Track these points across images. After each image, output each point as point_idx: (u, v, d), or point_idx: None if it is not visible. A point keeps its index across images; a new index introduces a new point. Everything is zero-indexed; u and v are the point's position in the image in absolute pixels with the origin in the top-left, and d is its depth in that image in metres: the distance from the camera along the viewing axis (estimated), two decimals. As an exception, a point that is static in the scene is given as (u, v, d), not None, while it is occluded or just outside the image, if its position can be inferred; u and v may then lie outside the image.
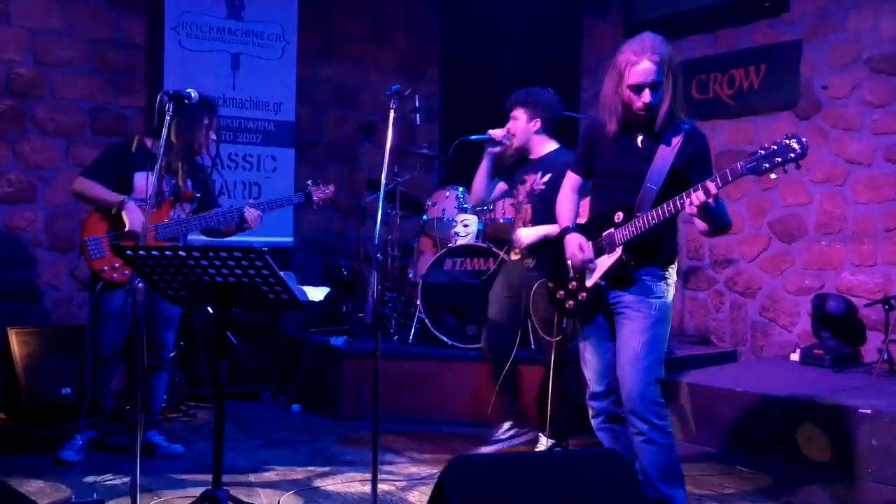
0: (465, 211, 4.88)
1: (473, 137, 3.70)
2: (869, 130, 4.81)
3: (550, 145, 3.74)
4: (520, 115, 3.70)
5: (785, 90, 5.09)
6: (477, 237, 4.78)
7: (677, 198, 2.49)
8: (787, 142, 2.32)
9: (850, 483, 3.45)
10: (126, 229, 3.48)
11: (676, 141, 2.60)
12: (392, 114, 2.75)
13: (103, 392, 3.61)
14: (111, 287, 3.51)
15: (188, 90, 3.06)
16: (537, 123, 3.69)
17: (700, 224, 2.59)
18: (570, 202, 2.87)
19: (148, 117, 3.94)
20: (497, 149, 3.67)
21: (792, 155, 2.31)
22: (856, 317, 4.70)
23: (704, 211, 2.44)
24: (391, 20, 6.33)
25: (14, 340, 4.28)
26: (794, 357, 4.78)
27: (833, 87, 4.95)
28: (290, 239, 5.42)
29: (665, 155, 2.59)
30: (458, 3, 6.40)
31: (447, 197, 4.96)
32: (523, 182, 3.71)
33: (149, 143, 3.60)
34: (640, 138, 2.65)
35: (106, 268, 3.47)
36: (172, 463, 3.59)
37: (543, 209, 3.52)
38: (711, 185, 2.40)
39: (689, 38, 5.69)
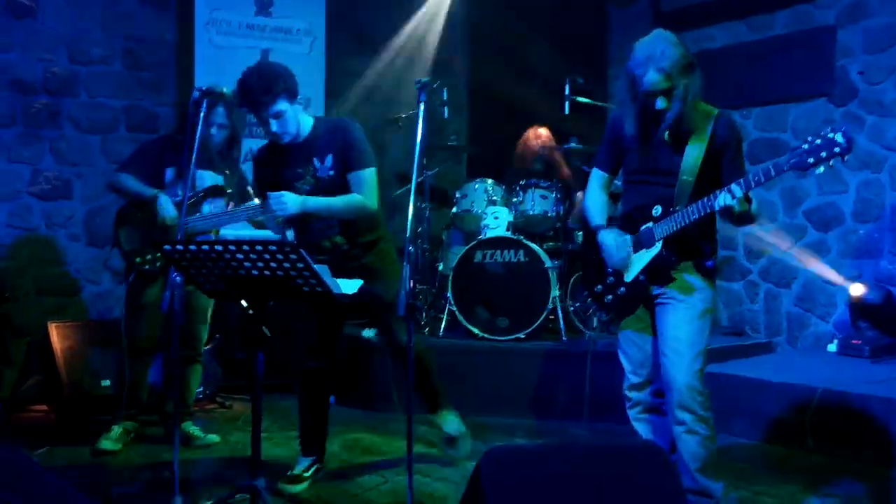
0: (494, 203, 4.88)
1: None
2: (906, 116, 4.72)
3: None
4: None
5: (819, 76, 5.00)
6: (507, 229, 4.78)
7: (707, 197, 2.49)
8: (832, 136, 2.28)
9: (889, 475, 3.39)
10: (158, 222, 3.52)
11: (706, 130, 2.58)
12: (422, 106, 2.75)
13: (140, 383, 3.69)
14: (145, 278, 3.58)
15: (221, 87, 3.09)
16: None
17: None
18: (598, 199, 2.84)
19: (179, 114, 4.01)
20: None
21: (837, 149, 2.27)
22: (894, 306, 4.61)
23: (727, 214, 2.47)
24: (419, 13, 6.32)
25: (55, 334, 4.38)
26: (832, 348, 4.71)
27: (869, 73, 4.85)
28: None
29: (696, 145, 2.57)
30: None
31: (476, 189, 4.95)
32: None
33: (181, 138, 3.63)
34: (667, 133, 2.62)
35: (139, 259, 3.54)
36: (209, 453, 3.65)
37: None
38: (736, 189, 2.42)
39: (721, 24, 5.61)
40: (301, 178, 3.10)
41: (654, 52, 2.50)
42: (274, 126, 3.02)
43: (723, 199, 2.42)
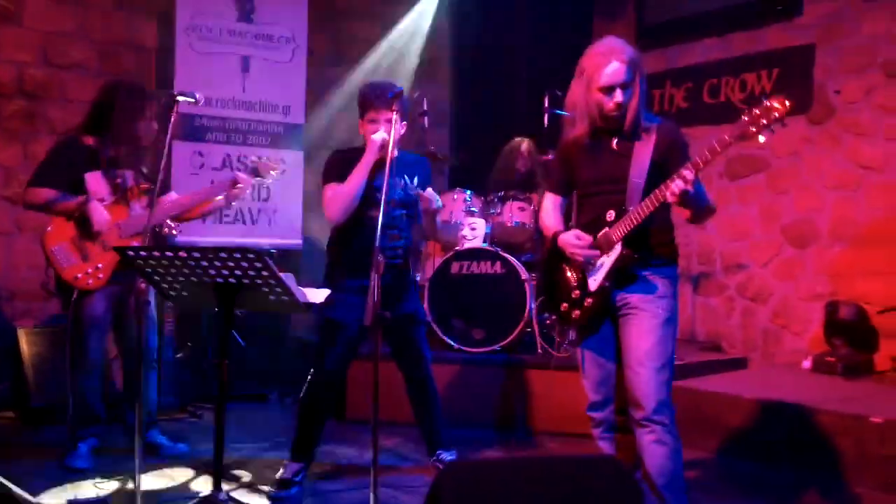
0: (472, 214, 4.87)
1: None
2: (883, 136, 4.75)
3: None
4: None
5: (798, 94, 5.03)
6: (484, 240, 4.76)
7: (658, 189, 2.48)
8: (769, 102, 2.30)
9: (859, 493, 3.39)
10: (95, 230, 3.40)
11: (650, 135, 2.62)
12: (394, 116, 2.73)
13: (95, 398, 3.57)
14: (88, 294, 3.41)
15: (193, 92, 3.07)
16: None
17: (684, 211, 2.58)
18: (554, 217, 2.89)
19: (90, 114, 3.78)
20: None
21: (776, 115, 2.28)
22: (868, 324, 4.64)
23: (684, 199, 2.43)
24: (402, 23, 6.33)
25: (23, 340, 4.32)
26: (806, 364, 4.72)
27: (846, 92, 4.90)
28: (298, 241, 5.43)
29: (643, 150, 2.61)
30: (469, 7, 6.39)
31: (455, 200, 4.94)
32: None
33: (89, 140, 3.51)
34: (614, 141, 2.67)
35: (79, 275, 3.38)
36: (177, 463, 3.60)
37: None
38: (687, 173, 2.39)
39: (702, 41, 5.65)
40: (393, 187, 3.20)
41: (615, 48, 2.58)
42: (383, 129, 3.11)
43: (675, 186, 2.40)
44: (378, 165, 3.12)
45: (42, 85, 4.91)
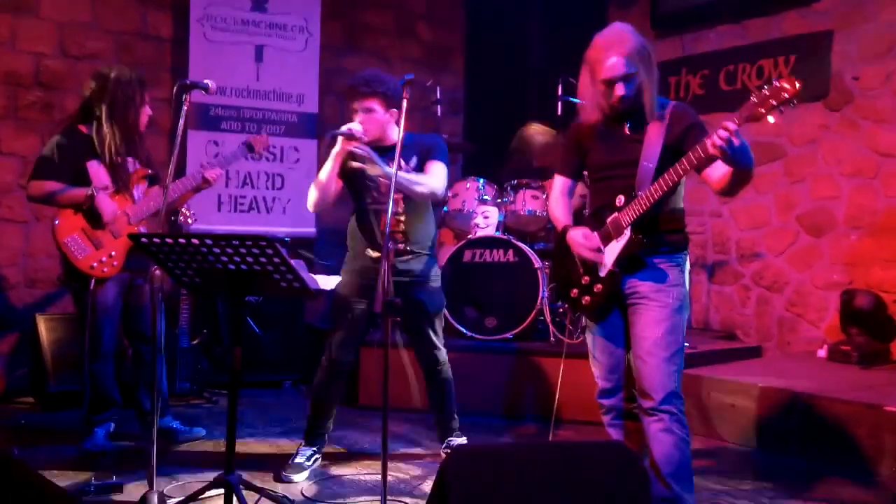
0: (485, 202, 4.87)
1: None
2: (901, 122, 4.69)
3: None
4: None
5: (815, 81, 4.97)
6: (497, 228, 4.76)
7: (691, 151, 2.40)
8: (779, 83, 2.26)
9: (876, 482, 3.38)
10: (105, 221, 3.43)
11: (664, 119, 2.60)
12: (405, 104, 2.74)
13: (111, 385, 3.62)
14: (103, 281, 3.45)
15: (205, 81, 3.08)
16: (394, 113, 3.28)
17: (716, 179, 2.49)
18: (561, 204, 2.87)
19: (82, 105, 3.80)
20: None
21: (785, 95, 2.25)
22: (885, 313, 4.60)
23: (730, 151, 2.30)
24: (415, 11, 6.33)
25: (42, 327, 4.39)
26: (822, 353, 4.69)
27: (865, 78, 4.83)
28: (312, 229, 5.47)
29: (655, 134, 2.59)
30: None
31: (468, 188, 4.95)
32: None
33: (84, 129, 3.52)
34: (626, 126, 2.66)
35: (95, 264, 3.42)
36: (194, 448, 3.65)
37: None
38: (730, 124, 2.29)
39: (717, 28, 5.60)
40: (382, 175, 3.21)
41: (616, 40, 2.55)
42: (359, 119, 3.16)
43: (717, 137, 2.27)
44: (379, 152, 3.16)
45: (59, 76, 4.96)
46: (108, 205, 3.44)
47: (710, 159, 2.40)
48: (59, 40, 4.97)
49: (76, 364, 4.26)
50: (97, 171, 3.48)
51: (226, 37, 5.20)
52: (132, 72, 3.59)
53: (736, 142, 2.30)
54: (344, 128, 3.11)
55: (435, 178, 3.24)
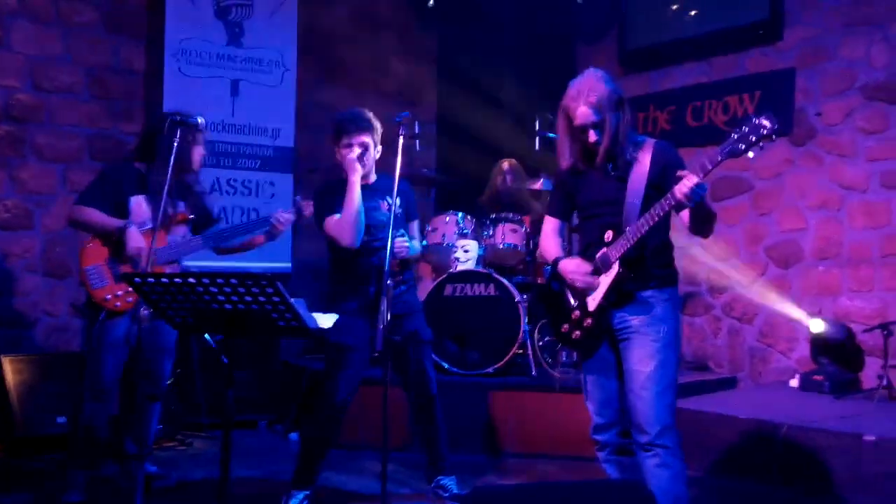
0: (465, 236, 4.88)
1: None
2: (863, 156, 4.87)
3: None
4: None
5: (779, 117, 5.10)
6: (477, 262, 4.78)
7: (659, 201, 2.50)
8: (757, 120, 2.35)
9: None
10: (126, 254, 3.40)
11: (646, 156, 2.68)
12: (402, 141, 2.76)
13: (101, 424, 3.51)
14: (114, 316, 3.40)
15: (194, 115, 3.05)
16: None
17: (686, 219, 2.61)
18: (553, 241, 2.93)
19: (143, 142, 3.86)
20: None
21: (764, 131, 2.33)
22: (854, 342, 4.72)
23: (695, 196, 2.40)
24: (389, 47, 6.38)
25: (8, 368, 4.22)
26: (794, 383, 4.78)
27: (827, 114, 5.02)
28: (288, 264, 5.41)
29: (639, 171, 2.67)
30: (454, 31, 6.46)
31: (447, 222, 4.96)
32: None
33: (138, 166, 3.54)
34: (609, 165, 2.73)
35: (109, 296, 3.38)
36: (170, 494, 3.54)
37: None
38: (691, 175, 2.39)
39: (684, 65, 5.76)
40: (378, 210, 3.32)
41: (584, 88, 2.65)
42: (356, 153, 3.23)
43: (683, 185, 2.38)
44: (363, 189, 3.22)
45: (29, 109, 4.86)
46: (135, 239, 3.39)
47: (680, 205, 2.48)
48: (30, 73, 4.88)
49: (45, 408, 4.11)
50: (139, 207, 3.47)
51: (201, 71, 5.16)
52: (189, 114, 3.56)
53: (700, 190, 2.39)
54: (355, 154, 3.21)
55: (420, 238, 3.53)
